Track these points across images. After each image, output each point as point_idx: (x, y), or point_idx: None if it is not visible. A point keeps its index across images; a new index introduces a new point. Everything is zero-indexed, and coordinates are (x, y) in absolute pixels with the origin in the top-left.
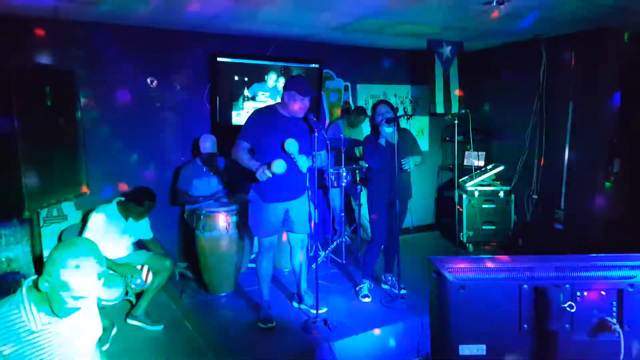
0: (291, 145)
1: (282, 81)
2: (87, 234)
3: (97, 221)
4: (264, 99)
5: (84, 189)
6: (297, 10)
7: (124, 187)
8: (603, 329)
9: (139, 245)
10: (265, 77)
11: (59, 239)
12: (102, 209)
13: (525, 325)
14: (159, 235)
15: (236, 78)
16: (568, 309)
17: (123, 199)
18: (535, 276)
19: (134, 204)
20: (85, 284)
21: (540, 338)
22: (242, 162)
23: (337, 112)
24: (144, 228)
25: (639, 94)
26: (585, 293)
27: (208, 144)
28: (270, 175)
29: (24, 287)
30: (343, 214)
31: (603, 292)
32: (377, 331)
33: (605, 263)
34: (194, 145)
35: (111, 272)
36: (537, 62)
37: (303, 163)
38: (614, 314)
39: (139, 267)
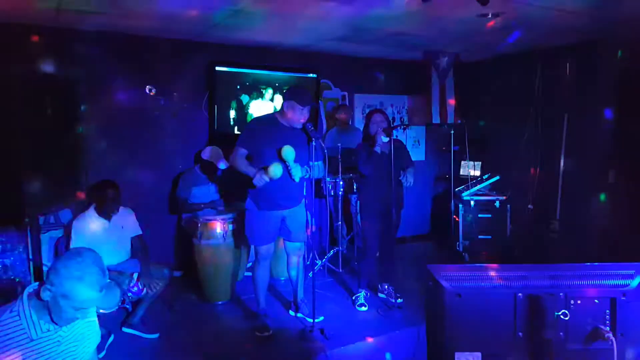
0: (288, 153)
1: (278, 96)
2: (74, 243)
3: (78, 229)
4: (262, 109)
5: (83, 196)
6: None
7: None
8: (596, 337)
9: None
10: (263, 91)
11: (56, 246)
12: (81, 216)
13: (520, 333)
14: (155, 243)
15: (234, 87)
16: (562, 317)
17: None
18: (529, 285)
19: (101, 199)
20: (87, 295)
21: (534, 346)
22: (239, 168)
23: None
24: (131, 223)
25: (633, 105)
26: (579, 301)
27: (211, 153)
28: (267, 180)
29: (25, 295)
30: (340, 223)
31: (596, 301)
32: (373, 340)
33: (598, 272)
34: (194, 153)
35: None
36: (533, 73)
37: (296, 172)
38: (607, 322)
39: (135, 275)
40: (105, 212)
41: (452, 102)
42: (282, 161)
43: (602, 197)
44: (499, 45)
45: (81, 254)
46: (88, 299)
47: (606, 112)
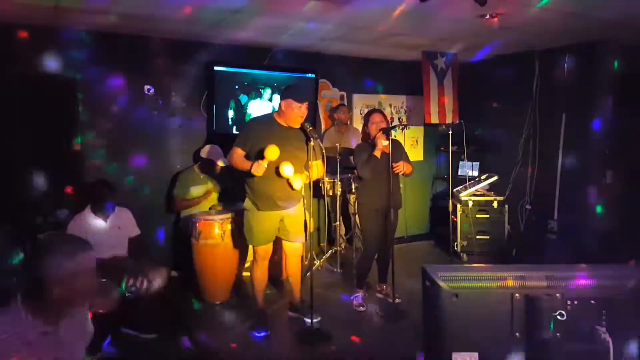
0: (286, 169)
1: (276, 96)
2: None
3: (74, 230)
4: (260, 109)
5: (80, 196)
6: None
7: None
8: (593, 337)
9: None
10: (261, 91)
11: None
12: (77, 217)
13: (517, 334)
14: (154, 242)
15: (233, 87)
16: (559, 317)
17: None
18: (526, 285)
19: (96, 198)
20: (87, 259)
21: (531, 346)
22: (237, 165)
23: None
24: (128, 224)
25: (631, 106)
26: (575, 302)
27: (210, 151)
28: (265, 166)
29: (19, 298)
30: (338, 223)
31: (593, 301)
32: (371, 340)
33: (595, 272)
34: (192, 153)
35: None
36: (531, 73)
37: (297, 184)
38: (604, 322)
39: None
40: (101, 212)
41: (450, 102)
42: (281, 177)
43: (599, 197)
44: (499, 44)
45: (50, 240)
46: (89, 258)
47: (604, 112)
